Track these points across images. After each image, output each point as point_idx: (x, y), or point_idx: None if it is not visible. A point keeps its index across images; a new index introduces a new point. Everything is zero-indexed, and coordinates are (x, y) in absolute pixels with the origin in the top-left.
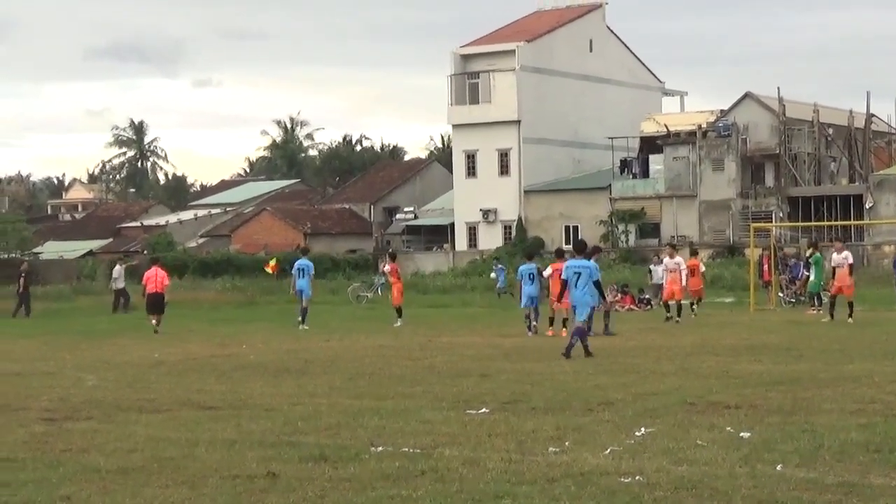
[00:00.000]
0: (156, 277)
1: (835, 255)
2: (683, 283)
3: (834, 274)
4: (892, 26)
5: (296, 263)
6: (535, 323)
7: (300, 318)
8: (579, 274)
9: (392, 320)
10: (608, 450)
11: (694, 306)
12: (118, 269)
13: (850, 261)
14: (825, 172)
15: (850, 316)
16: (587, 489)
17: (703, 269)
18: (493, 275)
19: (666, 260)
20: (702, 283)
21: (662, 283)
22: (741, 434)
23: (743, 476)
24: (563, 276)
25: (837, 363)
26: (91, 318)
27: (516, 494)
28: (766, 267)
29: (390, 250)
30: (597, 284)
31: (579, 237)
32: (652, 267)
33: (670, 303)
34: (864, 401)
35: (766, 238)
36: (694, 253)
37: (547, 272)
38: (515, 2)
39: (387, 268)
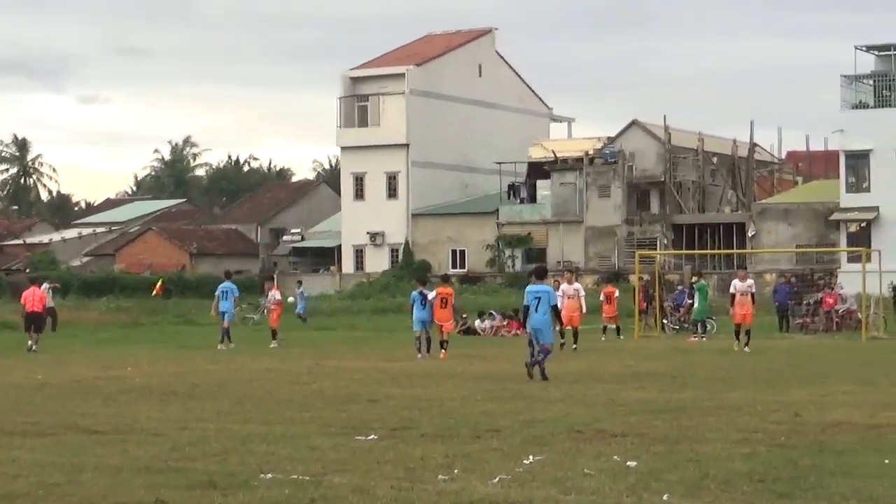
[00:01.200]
0: (33, 296)
1: (738, 283)
2: (584, 308)
3: (733, 301)
4: (776, 56)
5: (220, 286)
6: (424, 348)
7: (221, 338)
8: (539, 298)
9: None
10: (497, 478)
11: (615, 330)
12: (45, 286)
13: (754, 289)
14: (709, 200)
15: (747, 345)
16: None
17: (617, 295)
18: (290, 299)
19: (564, 286)
20: (616, 310)
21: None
22: (628, 463)
23: None
24: (524, 302)
25: (721, 391)
26: None
27: None
28: (640, 295)
29: (275, 273)
30: (554, 308)
31: (466, 261)
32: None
33: (567, 329)
34: (748, 430)
35: (651, 264)
36: (609, 280)
37: (431, 296)
38: (406, 26)
39: (277, 295)
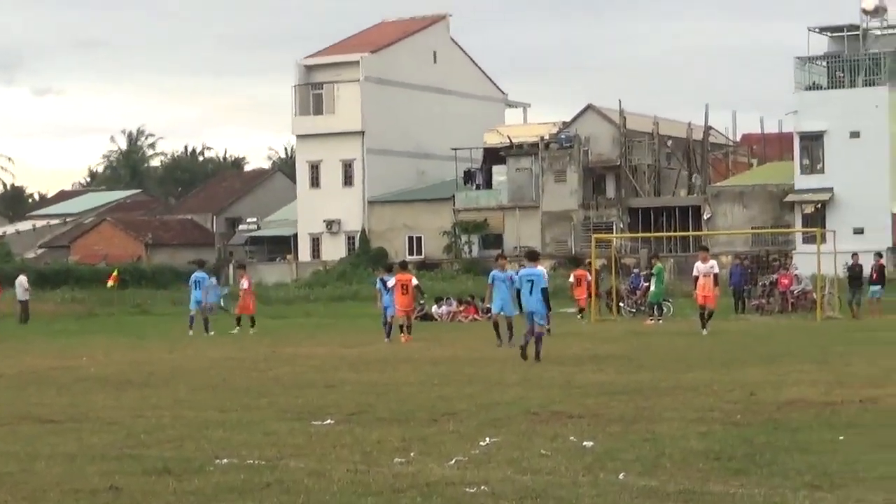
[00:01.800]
0: None
1: (700, 265)
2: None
3: (696, 283)
4: (731, 39)
5: (192, 276)
6: (387, 330)
7: (190, 325)
8: (532, 281)
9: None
10: (453, 460)
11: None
12: (20, 280)
13: (717, 270)
14: (665, 184)
15: (704, 326)
16: (433, 500)
17: (590, 279)
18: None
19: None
20: (586, 292)
21: None
22: (584, 443)
23: (586, 485)
24: (515, 285)
25: (677, 372)
26: None
27: None
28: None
29: (243, 262)
30: (543, 291)
31: (422, 248)
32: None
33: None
34: (704, 409)
35: (607, 248)
36: (580, 263)
37: (391, 282)
38: (360, 13)
39: (245, 284)
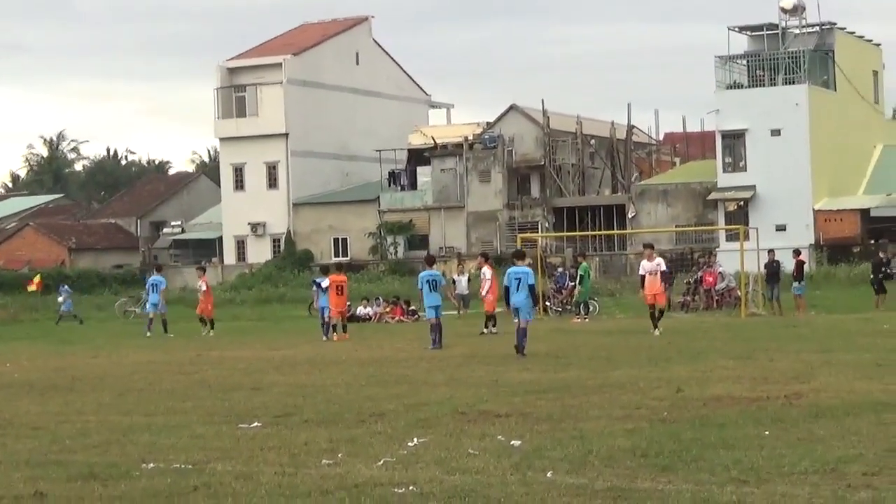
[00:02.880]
0: None
1: (645, 263)
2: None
3: (643, 283)
4: (652, 39)
5: (149, 279)
6: (324, 329)
7: (148, 329)
8: (520, 279)
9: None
10: (381, 461)
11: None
12: None
13: (663, 268)
14: (589, 183)
15: (656, 327)
16: (361, 500)
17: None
18: (60, 298)
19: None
20: None
21: (466, 294)
22: (512, 442)
23: (515, 483)
24: (505, 283)
25: (604, 370)
26: None
27: None
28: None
29: (202, 264)
30: (531, 288)
31: (348, 249)
32: (455, 277)
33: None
34: (631, 406)
35: (532, 248)
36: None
37: (325, 283)
38: (282, 16)
39: (203, 286)
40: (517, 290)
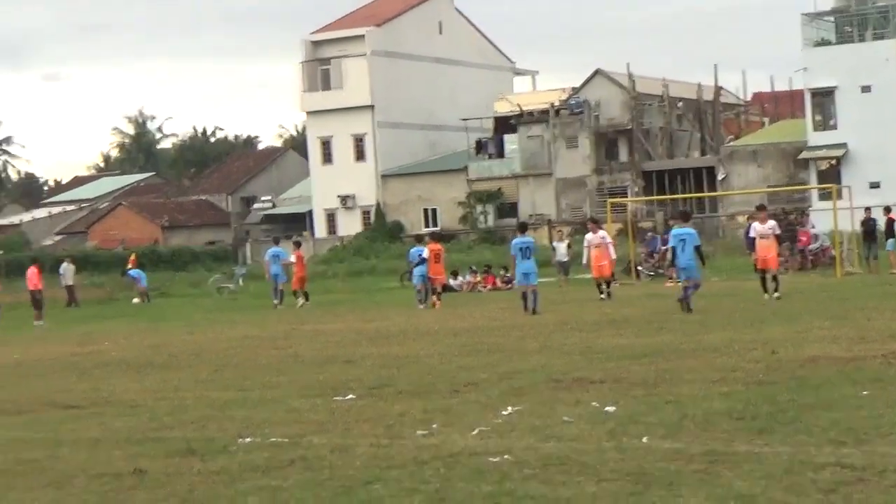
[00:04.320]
0: (34, 276)
1: (757, 225)
2: (613, 256)
3: (753, 246)
4: None
5: (269, 251)
6: (422, 299)
7: (277, 298)
8: (684, 240)
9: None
10: (476, 430)
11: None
12: (64, 267)
13: (777, 231)
14: (677, 146)
15: (777, 290)
16: (456, 470)
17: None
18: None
19: (589, 236)
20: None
21: (566, 261)
22: (606, 408)
23: (610, 450)
24: (670, 244)
25: (698, 333)
26: None
27: (386, 479)
28: None
29: (296, 238)
30: (697, 249)
31: (438, 220)
32: (555, 244)
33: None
34: (726, 370)
35: (622, 213)
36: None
37: (425, 253)
38: None
39: (292, 257)
40: (682, 250)
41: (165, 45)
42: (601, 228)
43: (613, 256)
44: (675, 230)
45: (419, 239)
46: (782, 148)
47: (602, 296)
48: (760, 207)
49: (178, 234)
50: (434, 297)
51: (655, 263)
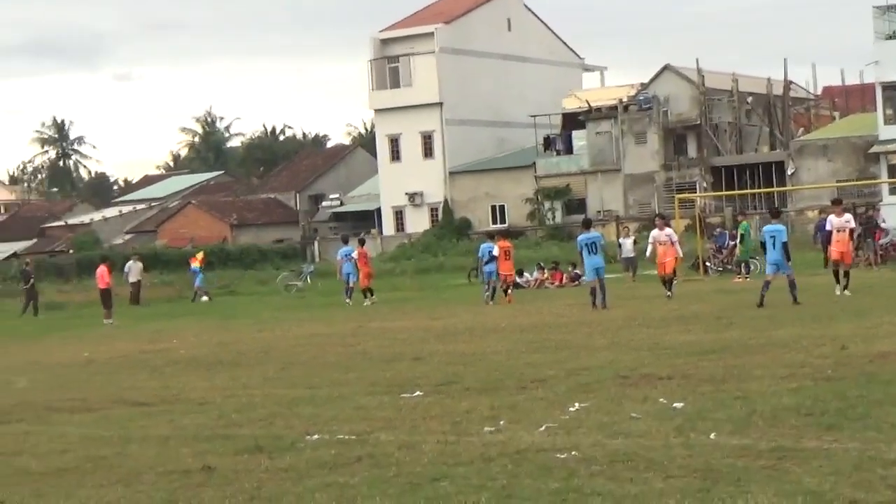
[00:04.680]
0: (104, 275)
1: (833, 219)
2: (680, 254)
3: (830, 239)
4: None
5: (340, 250)
6: (490, 296)
7: (348, 298)
8: (774, 237)
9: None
10: (543, 427)
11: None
12: (130, 265)
13: (852, 225)
14: (746, 141)
15: (846, 287)
16: (523, 467)
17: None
18: (195, 269)
19: (655, 232)
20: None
21: (632, 257)
22: (674, 404)
23: (677, 446)
24: (761, 239)
25: (766, 329)
26: (16, 320)
27: (453, 476)
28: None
29: (361, 236)
30: (784, 245)
31: (506, 216)
32: (621, 240)
33: (665, 277)
34: (794, 365)
35: (691, 208)
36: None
37: (495, 251)
38: None
39: (355, 253)
40: (773, 246)
41: (234, 45)
42: (668, 226)
43: (680, 254)
44: (767, 227)
45: (490, 236)
46: (852, 142)
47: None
48: (836, 201)
49: (246, 232)
50: (509, 293)
51: (724, 259)
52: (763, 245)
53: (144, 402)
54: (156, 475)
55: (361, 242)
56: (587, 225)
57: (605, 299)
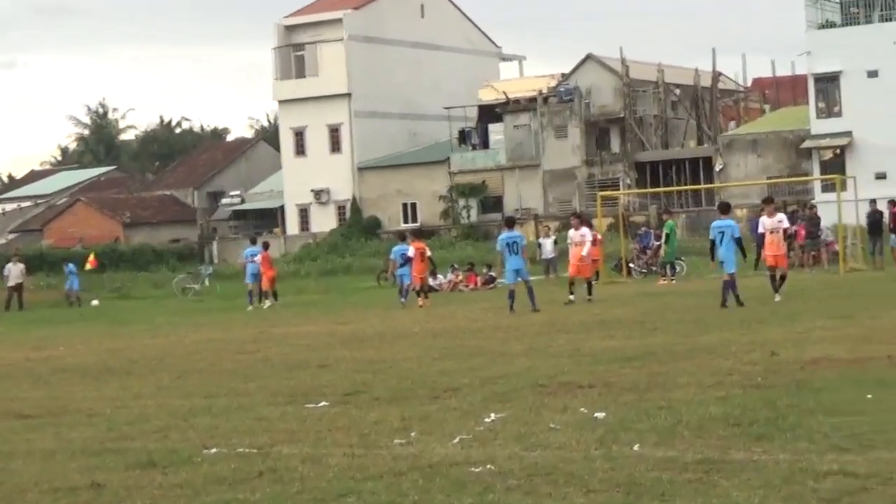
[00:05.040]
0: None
1: (766, 220)
2: (584, 251)
3: (762, 242)
4: None
5: (246, 251)
6: (404, 299)
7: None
8: (723, 232)
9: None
10: (457, 438)
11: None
12: (9, 266)
13: (786, 225)
14: (673, 135)
15: (777, 291)
16: (436, 481)
17: (599, 237)
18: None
19: (571, 232)
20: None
21: (552, 258)
22: (595, 414)
23: (599, 458)
24: (710, 236)
25: (693, 335)
26: None
27: (361, 491)
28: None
29: (265, 240)
30: (737, 241)
31: (418, 215)
32: (540, 240)
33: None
34: (722, 373)
35: (614, 207)
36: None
37: (410, 252)
38: None
39: (258, 257)
40: (720, 243)
41: (129, 31)
42: (585, 225)
43: (595, 257)
44: (716, 222)
45: (402, 236)
46: (784, 137)
47: (571, 297)
48: (768, 200)
49: (140, 231)
50: (422, 297)
51: (648, 260)
52: (713, 242)
53: (29, 413)
54: (40, 493)
55: (265, 246)
56: (510, 223)
57: (533, 302)
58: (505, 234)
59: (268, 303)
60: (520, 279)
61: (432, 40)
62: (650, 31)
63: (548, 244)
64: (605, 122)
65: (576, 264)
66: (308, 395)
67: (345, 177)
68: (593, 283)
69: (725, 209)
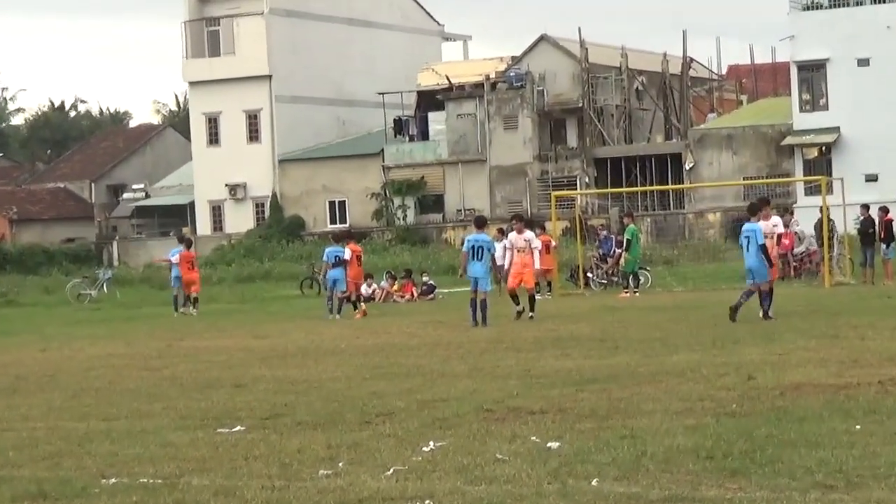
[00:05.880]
0: None
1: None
2: (537, 265)
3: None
4: None
5: (172, 251)
6: (332, 308)
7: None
8: (749, 238)
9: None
10: (391, 470)
11: (547, 286)
12: None
13: (781, 230)
14: (637, 128)
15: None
16: None
17: (554, 244)
18: None
19: (513, 236)
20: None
21: (501, 264)
22: (549, 444)
23: (552, 494)
24: (739, 242)
25: (659, 355)
26: None
27: None
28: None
29: (187, 237)
30: (762, 248)
31: (346, 215)
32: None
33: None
34: (692, 398)
35: (570, 208)
36: (541, 227)
37: (347, 255)
38: None
39: (175, 257)
40: (747, 249)
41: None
42: (529, 230)
43: (538, 265)
44: (746, 225)
45: (337, 238)
46: (762, 132)
47: (518, 307)
48: (764, 201)
49: (29, 228)
50: (362, 306)
51: (609, 269)
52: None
53: None
54: None
55: (188, 244)
56: (480, 224)
57: (485, 317)
58: (473, 236)
59: (193, 310)
60: (475, 288)
61: (365, 16)
62: (612, 10)
63: (498, 249)
64: (561, 113)
65: (518, 273)
66: (221, 418)
67: (264, 170)
68: (536, 296)
69: (754, 211)
